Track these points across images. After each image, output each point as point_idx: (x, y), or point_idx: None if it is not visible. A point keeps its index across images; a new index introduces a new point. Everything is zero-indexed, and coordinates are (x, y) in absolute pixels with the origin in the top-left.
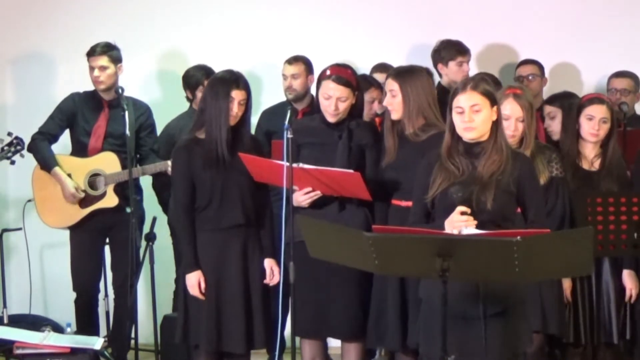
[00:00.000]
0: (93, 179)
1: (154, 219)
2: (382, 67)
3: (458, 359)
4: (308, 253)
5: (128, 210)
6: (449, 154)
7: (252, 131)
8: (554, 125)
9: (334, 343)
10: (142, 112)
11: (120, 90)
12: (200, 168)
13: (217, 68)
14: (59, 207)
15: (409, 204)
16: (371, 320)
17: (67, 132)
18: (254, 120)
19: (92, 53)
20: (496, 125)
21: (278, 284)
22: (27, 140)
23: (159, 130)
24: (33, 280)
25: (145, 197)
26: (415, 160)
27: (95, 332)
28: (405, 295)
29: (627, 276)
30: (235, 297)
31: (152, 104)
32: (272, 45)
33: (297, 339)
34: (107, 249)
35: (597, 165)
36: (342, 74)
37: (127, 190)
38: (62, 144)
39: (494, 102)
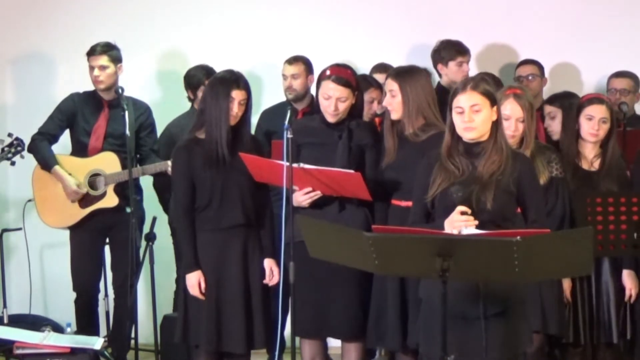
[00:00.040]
0: (93, 179)
1: (154, 219)
2: (382, 68)
3: (458, 358)
4: (308, 253)
5: (128, 210)
6: (449, 154)
7: (252, 131)
8: (554, 125)
9: (334, 343)
10: (142, 112)
11: (120, 90)
12: (200, 168)
13: (218, 68)
14: (59, 207)
15: (409, 204)
16: (371, 320)
17: (67, 132)
18: (254, 120)
19: (92, 52)
20: (496, 126)
21: (278, 283)
22: (27, 141)
23: (160, 130)
24: (33, 280)
25: (145, 197)
26: (415, 160)
27: (95, 332)
28: (405, 295)
29: (627, 276)
30: (235, 297)
31: (152, 104)
32: (272, 45)
33: (297, 339)
34: (107, 249)
35: (596, 165)
36: (342, 74)
37: (127, 190)
38: (62, 144)
39: (494, 102)
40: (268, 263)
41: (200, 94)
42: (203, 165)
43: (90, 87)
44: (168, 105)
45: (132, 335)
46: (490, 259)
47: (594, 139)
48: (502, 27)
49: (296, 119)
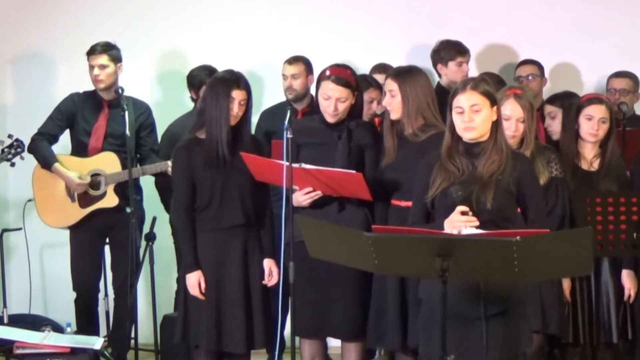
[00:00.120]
0: (93, 179)
1: (154, 219)
2: (381, 68)
3: (458, 359)
4: (308, 253)
5: (128, 210)
6: (449, 154)
7: (252, 131)
8: (555, 125)
9: (334, 343)
10: (142, 111)
11: (120, 90)
12: (200, 168)
13: (218, 68)
14: (59, 207)
15: (409, 204)
16: (371, 320)
17: (67, 132)
18: (254, 120)
19: (92, 52)
20: (496, 126)
21: (278, 283)
22: (27, 141)
23: (160, 129)
24: (33, 280)
25: (145, 197)
26: (415, 160)
27: (95, 332)
28: (405, 295)
29: (626, 276)
30: (235, 297)
31: (152, 104)
32: (272, 45)
33: (297, 338)
34: (107, 249)
35: (596, 165)
36: (342, 74)
37: (127, 190)
38: (62, 144)
39: (493, 102)
40: (267, 263)
41: (202, 94)
42: (203, 165)
43: (90, 87)
44: (168, 105)
45: (132, 335)
46: (490, 259)
47: (594, 139)
48: (502, 27)
49: (296, 119)
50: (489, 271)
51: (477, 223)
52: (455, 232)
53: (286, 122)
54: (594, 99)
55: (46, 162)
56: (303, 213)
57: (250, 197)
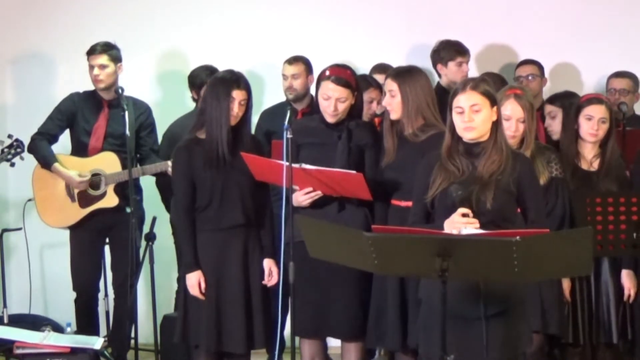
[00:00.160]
0: (93, 178)
1: (154, 219)
2: (381, 68)
3: (458, 359)
4: (308, 253)
5: (128, 210)
6: (449, 154)
7: (252, 131)
8: (555, 125)
9: (333, 343)
10: (142, 111)
11: (120, 90)
12: (200, 168)
13: (218, 68)
14: (59, 207)
15: (409, 204)
16: (371, 320)
17: (67, 132)
18: (255, 120)
19: (92, 52)
20: (496, 126)
21: (278, 283)
22: (26, 141)
23: (160, 129)
24: (33, 280)
25: (145, 197)
26: (415, 160)
27: (95, 331)
28: (405, 295)
29: (626, 276)
30: (235, 297)
31: (152, 104)
32: (272, 45)
33: (297, 338)
34: (107, 249)
35: (596, 165)
36: (342, 74)
37: (127, 190)
38: (62, 144)
39: (493, 102)
40: (267, 263)
41: None
42: (203, 165)
43: (90, 87)
44: (168, 105)
45: (132, 335)
46: (490, 259)
47: (593, 139)
48: (502, 27)
49: (296, 119)
50: (489, 271)
51: (478, 225)
52: (455, 232)
53: (286, 122)
54: (593, 99)
55: (46, 162)
56: (303, 213)
57: (251, 197)
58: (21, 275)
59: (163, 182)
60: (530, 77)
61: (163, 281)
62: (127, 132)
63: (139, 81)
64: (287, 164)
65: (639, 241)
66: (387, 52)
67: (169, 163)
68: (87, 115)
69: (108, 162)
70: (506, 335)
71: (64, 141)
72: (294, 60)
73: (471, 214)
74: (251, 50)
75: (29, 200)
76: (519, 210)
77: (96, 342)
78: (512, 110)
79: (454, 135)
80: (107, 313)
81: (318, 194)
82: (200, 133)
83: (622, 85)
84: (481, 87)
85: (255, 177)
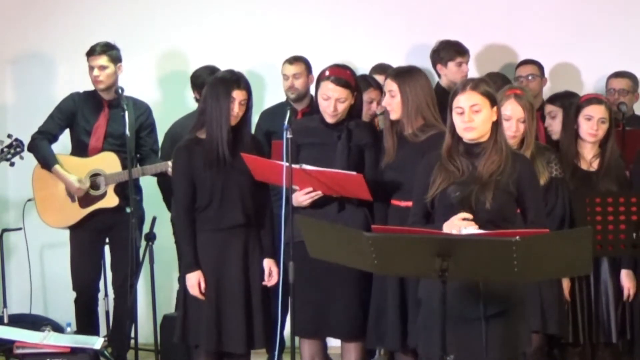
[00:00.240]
0: (93, 179)
1: (154, 219)
2: (381, 68)
3: (457, 359)
4: (308, 253)
5: (128, 210)
6: (449, 154)
7: (252, 131)
8: (555, 125)
9: (333, 343)
10: (142, 111)
11: (120, 90)
12: (200, 168)
13: (220, 68)
14: (59, 207)
15: (409, 204)
16: (371, 320)
17: (67, 132)
18: (255, 120)
19: (91, 52)
20: (496, 126)
21: (278, 283)
22: (26, 141)
23: (161, 129)
24: (33, 280)
25: (145, 197)
26: (415, 160)
27: (95, 331)
28: (405, 295)
29: (625, 276)
30: (235, 297)
31: (152, 104)
32: (272, 45)
33: (297, 338)
34: (107, 249)
35: (595, 165)
36: (341, 74)
37: (127, 190)
38: (62, 144)
39: (493, 102)
40: (267, 263)
41: None
42: (203, 165)
43: (90, 87)
44: (168, 105)
45: (132, 335)
46: (490, 259)
47: (593, 139)
48: (502, 27)
49: (296, 119)
50: (489, 271)
51: (477, 225)
52: (454, 231)
53: (286, 122)
54: (593, 99)
55: (46, 162)
56: (303, 213)
57: (251, 197)
58: (21, 275)
59: (164, 182)
60: (530, 77)
61: (163, 281)
62: (127, 132)
63: (139, 81)
64: (287, 164)
65: (639, 241)
66: (387, 52)
67: (169, 163)
68: (87, 115)
69: (108, 162)
70: (506, 335)
71: (64, 141)
72: (294, 60)
73: (471, 219)
74: (251, 50)
75: (29, 200)
76: (518, 210)
77: (96, 342)
78: (512, 110)
79: (454, 136)
80: (107, 313)
81: (318, 194)
82: (201, 133)
83: (621, 86)
84: (481, 88)
85: (255, 177)
